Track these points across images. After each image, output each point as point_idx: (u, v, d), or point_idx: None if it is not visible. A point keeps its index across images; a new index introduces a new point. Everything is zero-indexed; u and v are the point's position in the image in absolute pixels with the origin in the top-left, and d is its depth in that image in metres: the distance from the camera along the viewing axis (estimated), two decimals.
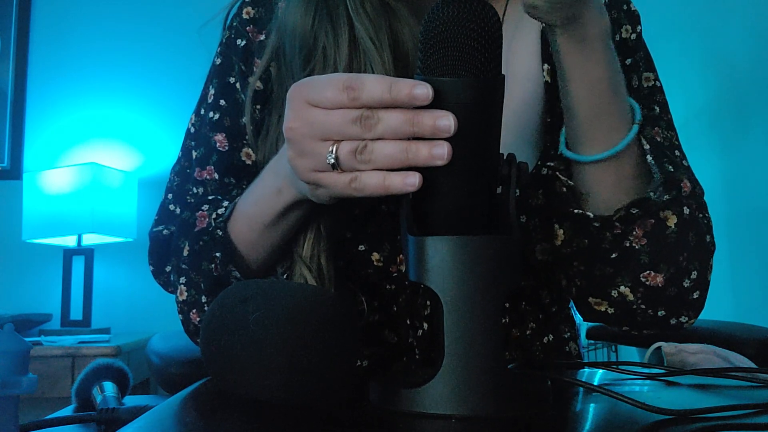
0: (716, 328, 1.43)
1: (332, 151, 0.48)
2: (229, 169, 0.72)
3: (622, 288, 0.63)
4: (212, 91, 0.75)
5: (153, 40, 2.70)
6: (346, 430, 0.44)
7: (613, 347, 2.38)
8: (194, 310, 0.67)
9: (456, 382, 0.44)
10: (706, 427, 0.42)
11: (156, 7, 2.72)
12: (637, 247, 0.61)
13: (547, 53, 0.71)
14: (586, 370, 0.67)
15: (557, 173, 0.65)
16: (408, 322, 0.71)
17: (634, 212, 0.60)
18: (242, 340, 0.47)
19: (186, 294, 0.67)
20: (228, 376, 0.49)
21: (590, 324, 1.53)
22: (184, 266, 0.67)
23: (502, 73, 0.47)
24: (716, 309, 0.99)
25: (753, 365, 1.21)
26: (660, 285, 0.62)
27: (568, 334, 0.80)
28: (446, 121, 0.45)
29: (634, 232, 0.61)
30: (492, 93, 0.47)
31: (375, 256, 0.70)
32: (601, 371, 0.65)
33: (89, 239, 2.45)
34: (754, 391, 0.56)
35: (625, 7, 0.74)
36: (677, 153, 0.69)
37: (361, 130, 0.47)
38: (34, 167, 2.58)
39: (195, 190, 0.73)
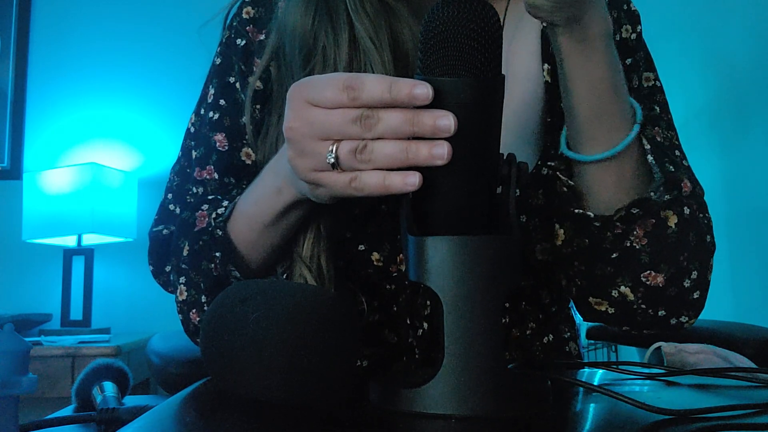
0: (716, 328, 1.43)
1: (332, 150, 0.48)
2: (229, 169, 0.72)
3: (622, 288, 0.63)
4: (212, 91, 0.75)
5: (153, 40, 2.70)
6: (346, 430, 0.44)
7: (613, 347, 2.38)
8: (194, 310, 0.67)
9: (456, 382, 0.44)
10: (706, 427, 0.42)
11: (156, 7, 2.72)
12: (637, 246, 0.61)
13: (547, 53, 0.71)
14: (586, 370, 0.67)
15: (558, 173, 0.65)
16: (408, 322, 0.71)
17: (634, 212, 0.60)
18: (242, 340, 0.47)
19: (186, 294, 0.67)
20: (228, 376, 0.49)
21: (590, 324, 1.53)
22: (183, 266, 0.67)
23: (502, 73, 0.47)
24: (716, 309, 0.99)
25: (753, 365, 1.21)
26: (660, 285, 0.62)
27: (568, 334, 0.80)
28: (446, 120, 0.45)
29: (635, 232, 0.61)
30: (492, 93, 0.47)
31: (375, 256, 0.70)
32: (601, 371, 0.65)
33: (89, 239, 2.46)
34: (754, 391, 0.56)
35: (625, 7, 0.74)
36: (677, 153, 0.69)
37: (361, 129, 0.47)
38: (34, 167, 2.58)
39: (195, 190, 0.73)
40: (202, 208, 0.68)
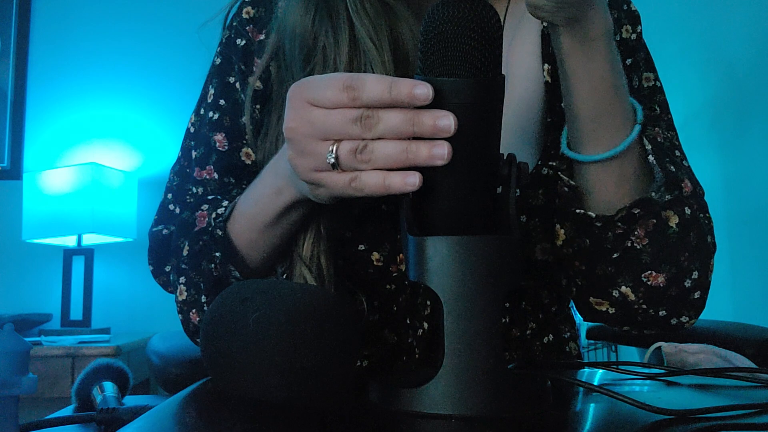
0: (716, 328, 1.43)
1: (332, 150, 0.48)
2: (229, 169, 0.72)
3: (623, 288, 0.63)
4: (212, 91, 0.75)
5: (153, 40, 2.70)
6: (346, 430, 0.44)
7: (613, 347, 2.38)
8: (194, 310, 0.67)
9: (456, 382, 0.44)
10: (706, 427, 0.42)
11: (156, 7, 2.72)
12: (638, 247, 0.61)
13: (547, 53, 0.71)
14: (586, 370, 0.67)
15: (559, 173, 0.65)
16: (408, 322, 0.71)
17: (635, 212, 0.60)
18: (242, 340, 0.47)
19: (186, 294, 0.67)
20: (228, 376, 0.49)
21: (590, 324, 1.53)
22: (183, 266, 0.67)
23: (502, 73, 0.47)
24: (716, 309, 0.99)
25: (753, 365, 1.21)
26: (661, 285, 0.62)
27: (568, 334, 0.80)
28: (446, 120, 0.45)
29: (636, 232, 0.61)
30: (492, 93, 0.47)
31: (375, 255, 0.70)
32: (601, 371, 0.65)
33: (89, 239, 2.46)
34: (754, 391, 0.56)
35: (625, 7, 0.74)
36: (678, 153, 0.69)
37: (362, 129, 0.47)
38: (34, 167, 2.58)
39: (195, 190, 0.73)
40: (202, 208, 0.68)
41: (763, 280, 1.98)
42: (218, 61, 0.76)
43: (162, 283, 0.78)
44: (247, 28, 0.74)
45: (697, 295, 0.64)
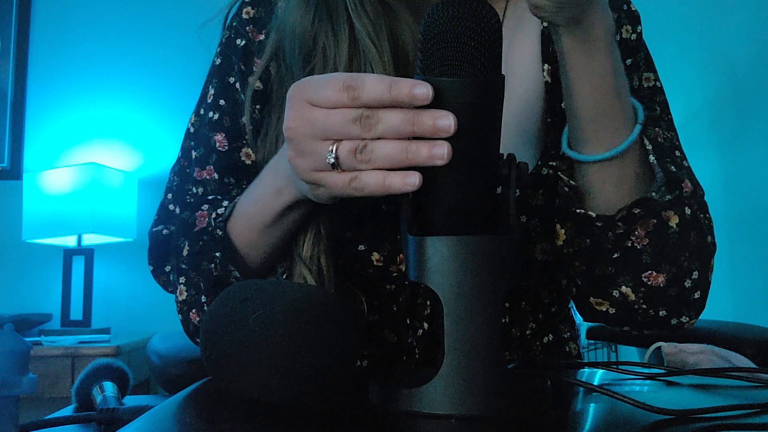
0: (716, 328, 1.43)
1: (332, 150, 0.48)
2: (229, 169, 0.72)
3: (623, 288, 0.63)
4: (212, 91, 0.75)
5: (153, 40, 2.70)
6: (346, 430, 0.44)
7: (613, 347, 2.38)
8: (194, 310, 0.67)
9: (456, 382, 0.44)
10: (706, 427, 0.42)
11: (156, 7, 2.72)
12: (639, 247, 0.61)
13: (547, 53, 0.71)
14: (586, 370, 0.67)
15: (559, 173, 0.65)
16: (408, 322, 0.71)
17: (636, 212, 0.60)
18: (242, 340, 0.47)
19: (186, 294, 0.67)
20: (228, 376, 0.49)
21: (590, 324, 1.53)
22: (183, 266, 0.67)
23: (502, 73, 0.47)
24: (716, 309, 0.99)
25: (753, 365, 1.22)
26: (661, 285, 0.62)
27: (568, 334, 0.80)
28: (446, 120, 0.45)
29: (636, 232, 0.61)
30: (492, 93, 0.47)
31: (375, 256, 0.70)
32: (601, 371, 0.65)
33: (89, 239, 2.46)
34: (754, 391, 0.56)
35: (625, 8, 0.74)
36: (677, 153, 0.69)
37: (361, 129, 0.47)
38: (34, 167, 2.58)
39: (195, 190, 0.73)
40: (202, 208, 0.68)
41: (763, 280, 1.98)
42: (218, 61, 0.76)
43: (162, 283, 0.78)
44: (247, 28, 0.74)
45: (697, 295, 0.64)
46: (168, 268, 0.75)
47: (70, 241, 2.45)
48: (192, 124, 0.79)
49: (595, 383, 0.57)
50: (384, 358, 0.72)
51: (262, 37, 0.73)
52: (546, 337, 0.76)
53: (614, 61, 0.56)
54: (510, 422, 0.43)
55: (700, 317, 0.67)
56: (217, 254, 0.64)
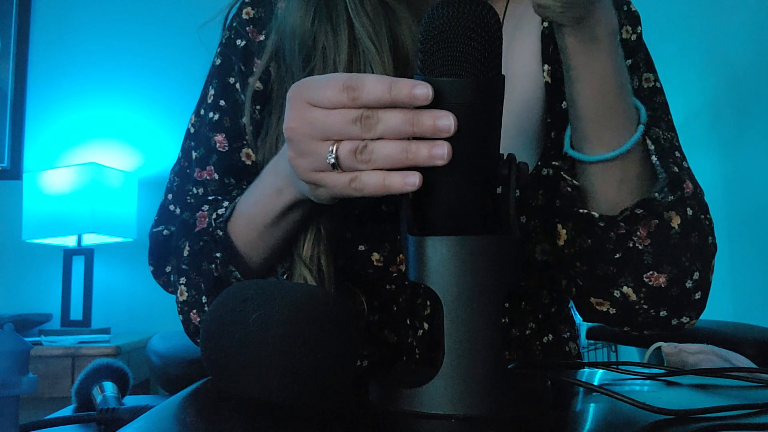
0: (716, 328, 1.44)
1: (332, 150, 0.48)
2: (229, 170, 0.72)
3: (624, 288, 0.63)
4: (212, 92, 0.75)
5: (153, 40, 2.70)
6: (346, 430, 0.44)
7: (613, 347, 2.38)
8: (194, 311, 0.67)
9: (456, 382, 0.44)
10: (706, 427, 0.42)
11: (156, 7, 2.72)
12: (640, 247, 0.61)
13: (547, 53, 0.71)
14: (586, 370, 0.67)
15: (561, 173, 0.65)
16: (408, 322, 0.71)
17: (638, 212, 0.60)
18: (242, 340, 0.47)
19: (186, 294, 0.67)
20: (228, 376, 0.49)
21: (590, 324, 1.53)
22: (184, 266, 0.67)
23: (502, 73, 0.47)
24: (716, 309, 0.99)
25: (753, 365, 1.22)
26: (662, 285, 0.62)
27: (568, 334, 0.80)
28: (446, 120, 0.45)
29: (638, 233, 0.60)
30: (492, 93, 0.47)
31: (375, 256, 0.70)
32: (601, 371, 0.65)
33: (89, 239, 2.46)
34: (754, 391, 0.56)
35: (625, 8, 0.74)
36: (678, 154, 0.69)
37: (361, 130, 0.47)
38: (34, 167, 2.58)
39: (195, 191, 0.73)
40: (203, 208, 0.68)
41: (763, 280, 1.98)
42: (218, 61, 0.76)
43: (162, 284, 0.78)
44: (247, 28, 0.74)
45: (698, 295, 0.64)
46: (168, 269, 0.75)
47: (70, 241, 2.45)
48: (192, 125, 0.79)
49: (595, 383, 0.57)
50: (384, 358, 0.72)
51: (262, 37, 0.73)
52: (546, 337, 0.76)
53: (617, 61, 0.56)
54: (510, 422, 0.43)
55: (700, 317, 0.67)
56: (218, 255, 0.64)
